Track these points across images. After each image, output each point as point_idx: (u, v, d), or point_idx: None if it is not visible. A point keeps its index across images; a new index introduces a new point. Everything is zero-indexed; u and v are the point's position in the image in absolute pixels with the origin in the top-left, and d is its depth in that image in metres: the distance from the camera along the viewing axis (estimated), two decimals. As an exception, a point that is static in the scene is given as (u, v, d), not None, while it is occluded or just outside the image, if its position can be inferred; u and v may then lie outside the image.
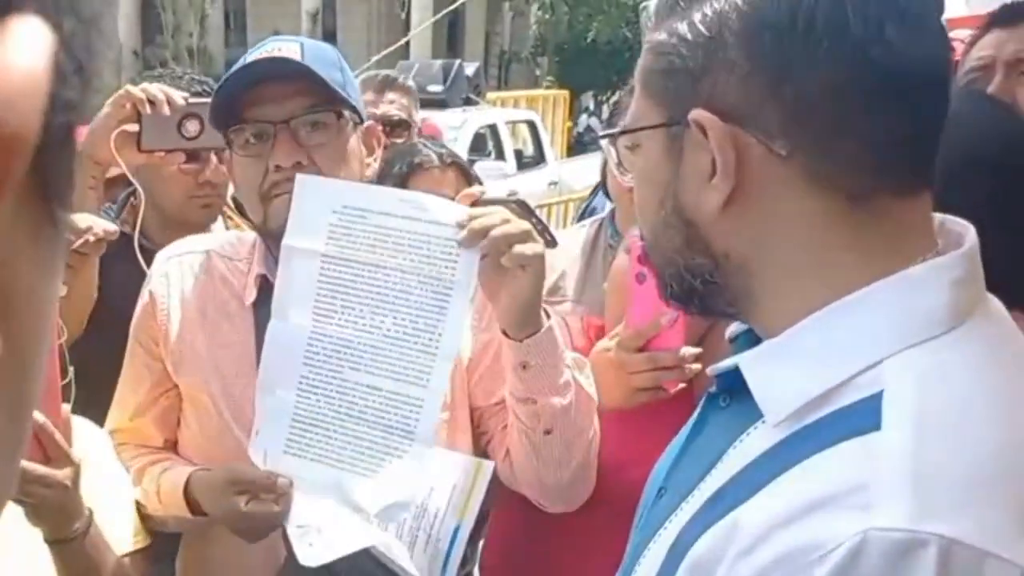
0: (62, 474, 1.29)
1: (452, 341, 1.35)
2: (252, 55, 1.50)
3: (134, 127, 1.85)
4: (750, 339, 0.90)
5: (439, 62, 12.00)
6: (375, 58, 9.99)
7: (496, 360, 1.53)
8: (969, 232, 0.81)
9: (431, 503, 1.46)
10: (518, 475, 1.52)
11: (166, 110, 1.85)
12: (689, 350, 1.50)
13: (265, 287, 1.54)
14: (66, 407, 1.33)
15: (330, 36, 28.44)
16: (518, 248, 1.32)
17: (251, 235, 1.63)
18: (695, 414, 0.96)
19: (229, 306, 1.58)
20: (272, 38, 1.57)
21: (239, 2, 29.84)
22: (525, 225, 1.37)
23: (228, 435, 1.54)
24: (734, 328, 0.95)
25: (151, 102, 1.85)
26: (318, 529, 1.40)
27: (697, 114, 0.79)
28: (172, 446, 1.66)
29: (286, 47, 1.49)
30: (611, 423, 1.54)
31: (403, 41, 9.88)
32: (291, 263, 1.40)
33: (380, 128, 1.65)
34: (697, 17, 0.80)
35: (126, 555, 1.50)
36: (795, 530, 0.69)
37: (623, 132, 0.92)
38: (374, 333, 1.36)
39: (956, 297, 0.76)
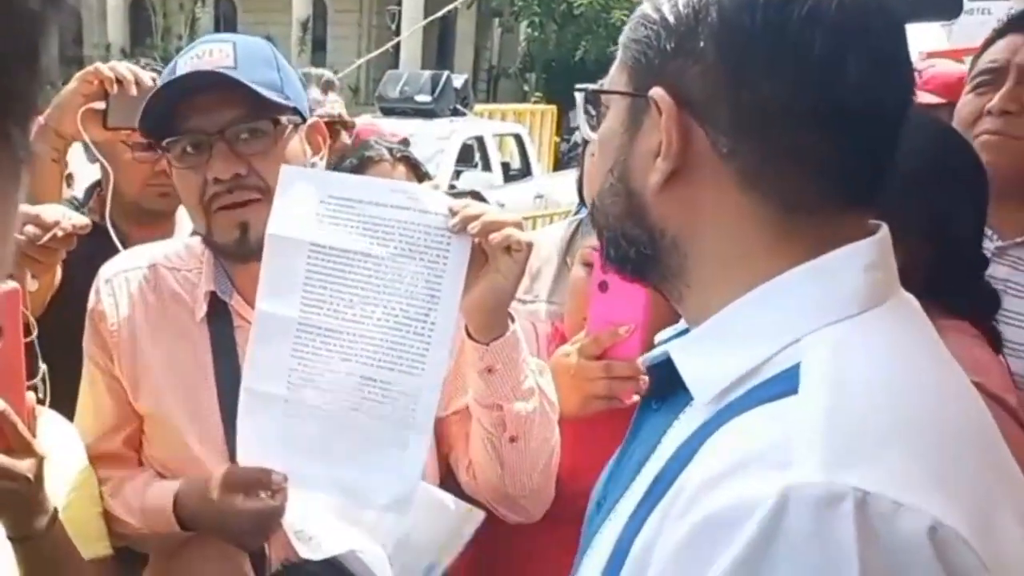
0: (25, 465, 1.22)
1: (446, 329, 1.33)
2: (183, 60, 1.45)
3: (101, 104, 1.87)
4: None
5: (428, 73, 12.11)
6: (361, 60, 10.02)
7: (456, 370, 1.48)
8: (882, 227, 0.84)
9: (414, 537, 1.45)
10: (481, 485, 1.50)
11: (133, 90, 1.85)
12: (640, 360, 1.48)
13: (216, 302, 1.51)
14: (31, 395, 1.28)
15: (320, 44, 28.64)
16: (510, 230, 1.31)
17: (199, 242, 1.55)
18: (630, 425, 0.98)
19: (181, 323, 1.52)
20: (204, 38, 1.51)
21: (229, 7, 29.87)
22: (517, 216, 1.38)
23: (191, 455, 1.49)
24: (663, 334, 0.98)
25: (119, 81, 1.86)
26: (309, 531, 1.40)
27: (656, 92, 0.82)
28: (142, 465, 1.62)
29: (217, 50, 1.44)
30: (567, 431, 1.52)
31: (390, 45, 9.91)
32: (276, 253, 1.36)
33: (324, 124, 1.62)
34: (682, 1, 0.82)
35: (91, 560, 1.43)
36: (722, 490, 0.71)
37: (597, 91, 0.94)
38: (364, 323, 1.34)
39: (870, 280, 0.80)
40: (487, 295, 1.34)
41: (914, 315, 0.85)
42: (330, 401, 1.35)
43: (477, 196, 1.66)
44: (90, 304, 1.56)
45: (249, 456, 1.39)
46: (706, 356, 0.83)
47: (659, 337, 0.98)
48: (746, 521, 0.69)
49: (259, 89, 1.39)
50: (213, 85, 1.40)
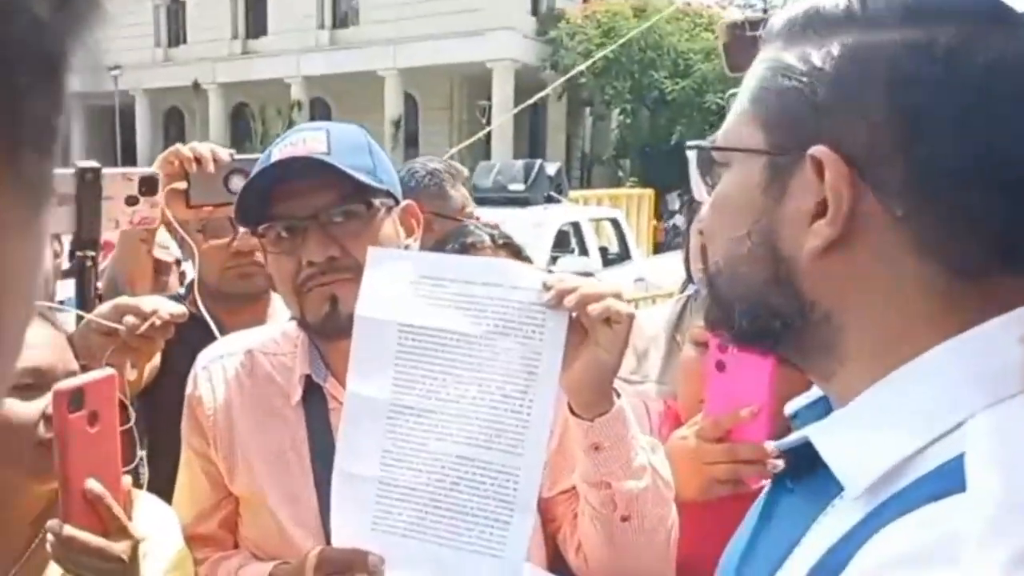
0: (119, 547, 1.25)
1: (545, 406, 1.29)
2: (277, 148, 1.49)
3: (183, 184, 1.92)
4: (812, 414, 0.87)
5: (521, 162, 12.27)
6: (452, 150, 10.08)
7: (560, 449, 1.48)
8: None
9: None
10: (593, 567, 1.46)
11: (211, 167, 1.91)
12: (773, 444, 1.39)
13: (311, 385, 1.53)
14: (127, 479, 1.31)
15: (412, 140, 29.50)
16: (610, 300, 1.27)
17: (295, 327, 1.58)
18: (761, 502, 0.92)
19: (277, 407, 1.55)
20: (298, 127, 1.56)
21: (324, 110, 30.96)
22: (616, 287, 1.35)
23: (286, 538, 1.50)
24: (793, 405, 0.92)
25: (198, 160, 1.92)
26: None
27: (819, 151, 0.75)
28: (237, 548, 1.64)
29: (312, 137, 1.47)
30: (687, 515, 1.47)
31: (481, 134, 9.93)
32: (365, 335, 1.35)
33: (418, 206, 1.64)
34: (836, 49, 0.76)
35: None
36: None
37: (721, 148, 0.85)
38: (459, 402, 1.31)
39: None
40: (589, 370, 1.31)
41: None
42: (426, 481, 1.32)
43: (586, 275, 1.54)
44: (188, 390, 1.60)
45: (344, 538, 1.37)
46: (854, 441, 0.76)
47: (789, 408, 0.93)
48: None
49: (351, 172, 1.41)
50: (306, 170, 1.43)
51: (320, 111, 30.64)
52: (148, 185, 1.83)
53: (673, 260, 11.01)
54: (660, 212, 14.48)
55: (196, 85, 32.89)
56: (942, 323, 0.75)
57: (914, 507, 0.69)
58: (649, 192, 13.92)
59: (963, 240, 0.74)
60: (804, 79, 0.77)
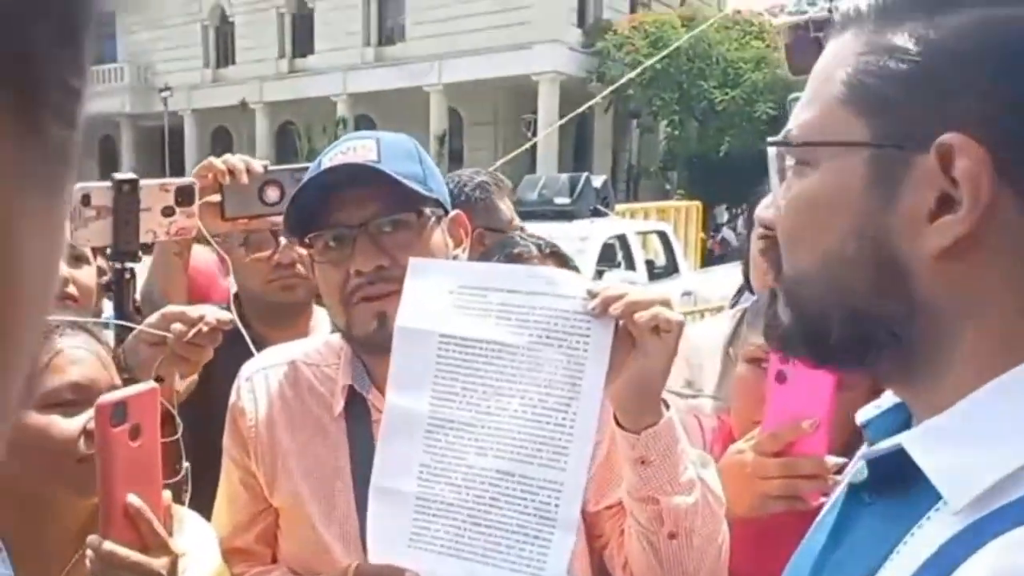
0: (158, 563, 1.24)
1: (589, 419, 1.26)
2: (327, 156, 1.47)
3: (217, 197, 1.91)
4: (887, 423, 0.84)
5: (566, 175, 12.19)
6: (497, 164, 10.06)
7: (607, 462, 1.45)
8: None
9: None
10: None
11: (245, 179, 1.90)
12: (833, 460, 1.42)
13: (353, 397, 1.51)
14: (167, 494, 1.29)
15: (457, 155, 29.81)
16: (658, 308, 1.24)
17: (338, 338, 1.57)
18: (833, 513, 0.85)
19: (319, 418, 1.53)
20: (348, 136, 1.54)
21: (370, 127, 31.07)
22: (665, 293, 1.30)
23: (326, 550, 1.48)
24: (864, 414, 0.87)
25: (231, 172, 1.90)
26: None
27: (953, 138, 0.68)
28: (275, 561, 1.62)
29: (361, 146, 1.46)
30: (740, 532, 1.43)
31: (526, 146, 9.89)
32: (405, 345, 1.34)
33: (466, 217, 1.61)
34: (955, 23, 0.70)
35: None
36: None
37: (817, 144, 0.77)
38: (500, 415, 1.29)
39: None
40: (635, 381, 1.28)
41: None
42: (465, 497, 1.30)
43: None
44: (231, 400, 1.59)
45: (380, 554, 1.35)
46: (958, 451, 0.71)
47: (861, 417, 0.87)
48: None
49: (402, 180, 1.39)
50: (356, 179, 1.41)
51: (365, 128, 30.75)
52: (185, 195, 1.81)
53: (721, 274, 11.03)
54: (708, 225, 14.32)
55: (243, 104, 33.42)
56: None
57: (1018, 525, 0.64)
58: (697, 204, 13.77)
59: None
60: (916, 59, 0.71)
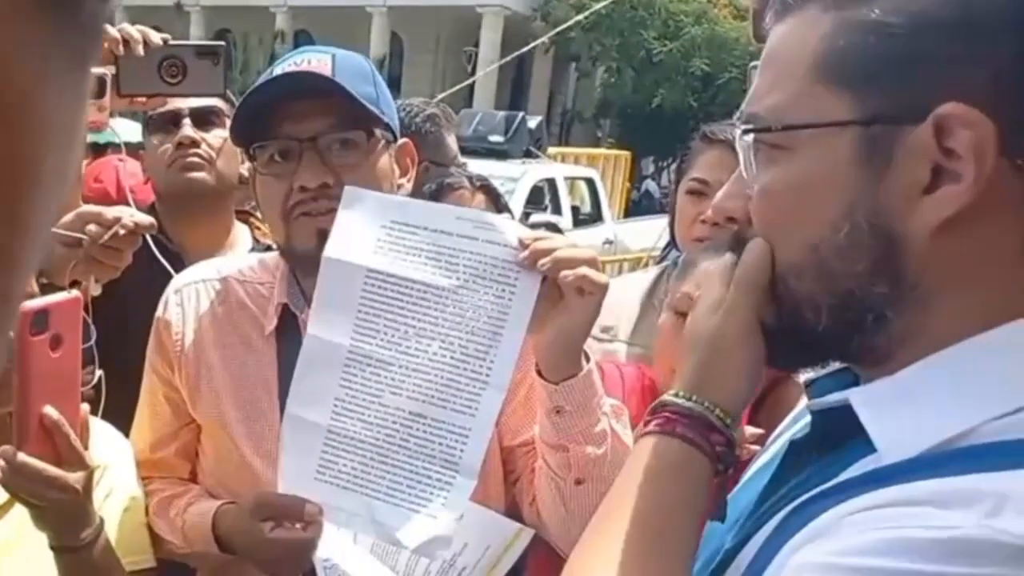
0: (74, 477, 1.22)
1: (504, 370, 1.27)
2: (280, 66, 1.44)
3: (110, 70, 1.75)
4: (832, 383, 0.83)
5: (502, 113, 12.16)
6: (437, 99, 10.04)
7: (526, 400, 1.47)
8: None
9: (460, 559, 1.42)
10: (545, 523, 1.45)
11: (140, 50, 1.73)
12: (751, 430, 1.43)
13: (286, 316, 1.50)
14: (84, 407, 1.26)
15: (395, 82, 29.14)
16: (584, 269, 1.24)
17: (274, 257, 1.55)
18: (773, 465, 0.87)
19: (249, 336, 1.52)
20: (303, 48, 1.49)
21: (309, 44, 30.18)
22: (593, 252, 1.30)
23: (247, 469, 1.48)
24: (809, 373, 0.87)
25: (126, 42, 1.74)
26: (342, 565, 1.37)
27: (953, 108, 0.66)
28: (195, 476, 1.62)
29: (316, 58, 1.42)
30: None
31: (464, 84, 9.93)
32: (331, 276, 1.32)
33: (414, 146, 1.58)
34: None
35: (132, 573, 1.44)
36: (907, 508, 0.65)
37: (799, 127, 0.73)
38: (419, 356, 1.28)
39: None
40: (557, 335, 1.29)
41: None
42: (375, 435, 1.30)
43: (554, 228, 1.51)
44: (157, 313, 1.56)
45: (288, 483, 1.35)
46: (902, 413, 0.71)
47: (804, 376, 0.88)
48: (926, 530, 0.63)
49: (356, 96, 1.37)
50: (308, 91, 1.38)
51: (304, 43, 29.78)
52: (95, 86, 1.70)
53: (643, 225, 11.07)
54: (635, 175, 14.49)
55: (179, 6, 32.08)
56: (1018, 297, 0.71)
57: (965, 472, 0.65)
58: (626, 154, 13.83)
59: None
60: (899, 32, 0.69)
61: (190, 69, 1.75)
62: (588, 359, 1.34)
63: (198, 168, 2.01)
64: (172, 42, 1.77)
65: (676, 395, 0.86)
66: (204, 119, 2.03)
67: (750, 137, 0.78)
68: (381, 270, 1.30)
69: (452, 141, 2.80)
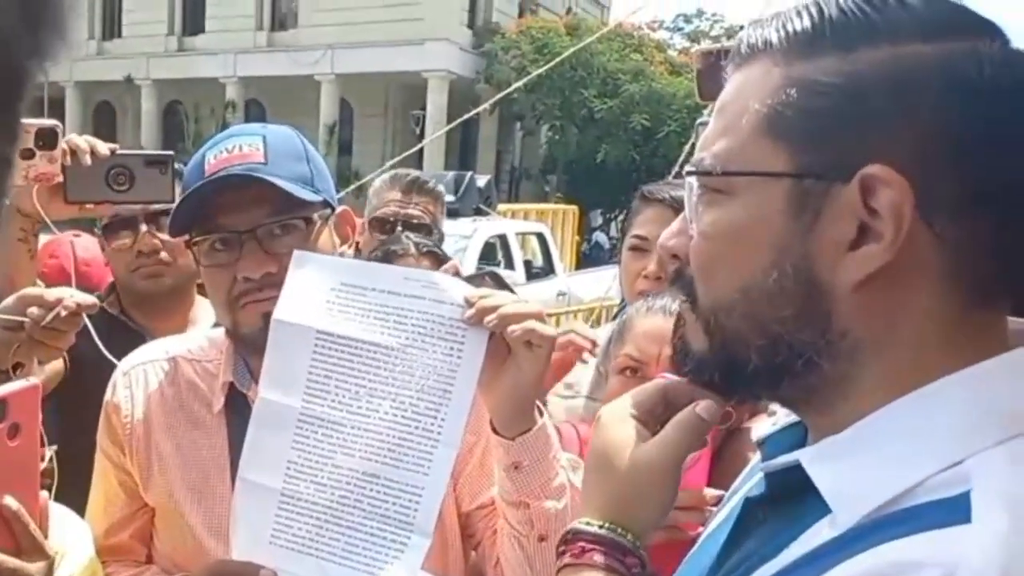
0: (35, 568, 1.17)
1: (456, 427, 1.25)
2: (212, 153, 1.43)
3: (58, 178, 1.74)
4: (784, 440, 0.85)
5: (452, 173, 12.26)
6: (388, 164, 10.23)
7: (482, 463, 1.48)
8: None
9: None
10: None
11: (87, 160, 1.74)
12: (712, 492, 1.41)
13: (234, 394, 1.49)
14: (44, 494, 1.22)
15: (346, 147, 29.25)
16: (531, 323, 1.24)
17: (222, 334, 1.53)
18: (728, 526, 0.88)
19: (199, 415, 1.51)
20: (233, 130, 1.49)
21: (259, 112, 30.63)
22: (539, 307, 1.31)
23: (202, 550, 1.46)
24: (760, 431, 0.90)
25: (73, 152, 1.75)
26: None
27: (878, 170, 0.69)
28: (152, 559, 1.59)
29: (247, 144, 1.42)
30: None
31: (414, 149, 10.15)
32: (281, 339, 1.32)
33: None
34: (870, 58, 0.71)
35: None
36: None
37: (739, 174, 0.76)
38: (371, 416, 1.28)
39: None
40: (509, 390, 1.29)
41: None
42: (329, 496, 1.29)
43: (495, 277, 1.76)
44: (106, 396, 1.55)
45: (242, 548, 1.33)
46: (852, 470, 0.72)
47: (757, 434, 0.90)
48: None
49: (291, 188, 1.38)
50: (244, 184, 1.38)
51: (255, 113, 30.33)
52: (46, 139, 1.67)
53: (594, 276, 11.07)
54: (584, 228, 14.70)
55: (129, 80, 32.25)
56: (954, 353, 0.72)
57: (911, 532, 0.66)
58: (574, 208, 13.81)
59: (990, 267, 0.71)
60: (837, 93, 0.71)
61: (138, 177, 1.76)
62: (542, 413, 1.34)
63: (159, 276, 2.08)
64: (120, 151, 1.78)
65: (588, 524, 0.89)
66: (159, 218, 2.04)
67: (694, 180, 0.79)
68: (331, 331, 1.29)
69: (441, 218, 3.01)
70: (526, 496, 1.33)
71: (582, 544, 0.88)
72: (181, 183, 1.50)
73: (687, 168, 0.81)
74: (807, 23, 0.74)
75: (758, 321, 0.76)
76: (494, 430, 1.33)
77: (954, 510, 0.65)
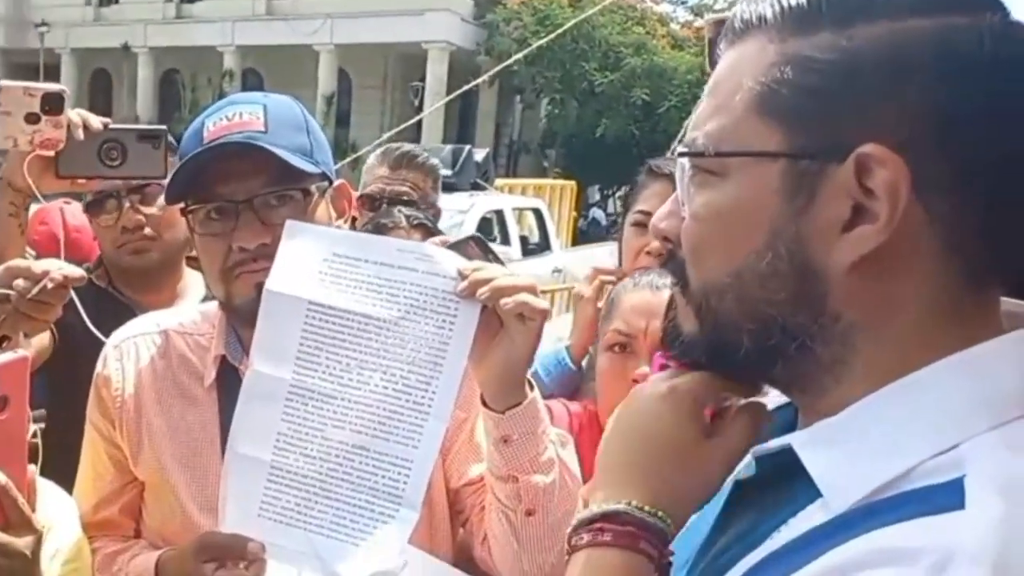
0: (22, 542, 1.17)
1: (446, 400, 1.26)
2: (211, 120, 1.42)
3: (50, 152, 1.70)
4: (775, 421, 0.85)
5: (449, 147, 12.25)
6: (385, 135, 10.18)
7: (471, 439, 1.48)
8: None
9: None
10: (497, 560, 1.42)
11: (80, 134, 1.70)
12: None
13: (225, 367, 1.49)
14: (32, 468, 1.22)
15: (344, 118, 29.17)
16: (523, 296, 1.24)
17: (214, 307, 1.53)
18: (718, 506, 0.87)
19: (189, 389, 1.51)
20: (233, 98, 1.48)
21: (257, 82, 30.52)
22: (531, 280, 1.29)
23: (192, 525, 1.45)
24: None
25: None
26: None
27: (873, 149, 0.67)
28: (140, 534, 1.59)
29: (248, 112, 1.41)
30: None
31: (412, 121, 10.05)
32: (273, 310, 1.31)
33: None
34: (867, 34, 0.69)
35: None
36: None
37: (732, 154, 0.75)
38: (361, 389, 1.27)
39: None
40: (500, 364, 1.28)
41: None
42: (318, 469, 1.29)
43: (479, 242, 1.51)
44: (97, 369, 1.55)
45: (230, 522, 1.33)
46: (844, 455, 0.72)
47: None
48: None
49: (290, 158, 1.37)
50: (243, 152, 1.37)
51: (252, 82, 30.14)
52: (52, 103, 1.65)
53: (590, 253, 11.09)
54: (582, 204, 14.64)
55: (126, 47, 32.07)
56: (948, 336, 0.71)
57: (903, 517, 0.66)
58: (572, 184, 13.86)
59: (985, 245, 0.70)
60: (833, 71, 0.70)
61: (130, 152, 1.74)
62: (532, 387, 1.33)
63: (144, 251, 2.07)
64: (113, 126, 1.76)
65: (640, 508, 0.83)
66: (144, 192, 2.06)
67: (687, 161, 0.78)
68: (322, 302, 1.28)
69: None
70: (515, 470, 1.32)
71: (631, 528, 0.82)
72: (178, 149, 1.50)
73: (679, 148, 0.80)
74: None
75: (751, 304, 0.75)
76: (484, 404, 1.32)
77: (948, 496, 0.65)
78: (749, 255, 0.74)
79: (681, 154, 0.79)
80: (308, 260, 1.30)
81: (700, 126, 0.78)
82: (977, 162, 0.68)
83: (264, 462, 1.30)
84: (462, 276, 1.26)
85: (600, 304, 2.01)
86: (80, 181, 1.79)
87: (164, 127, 1.80)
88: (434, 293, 1.27)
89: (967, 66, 0.68)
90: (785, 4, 0.73)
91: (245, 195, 1.38)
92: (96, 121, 1.74)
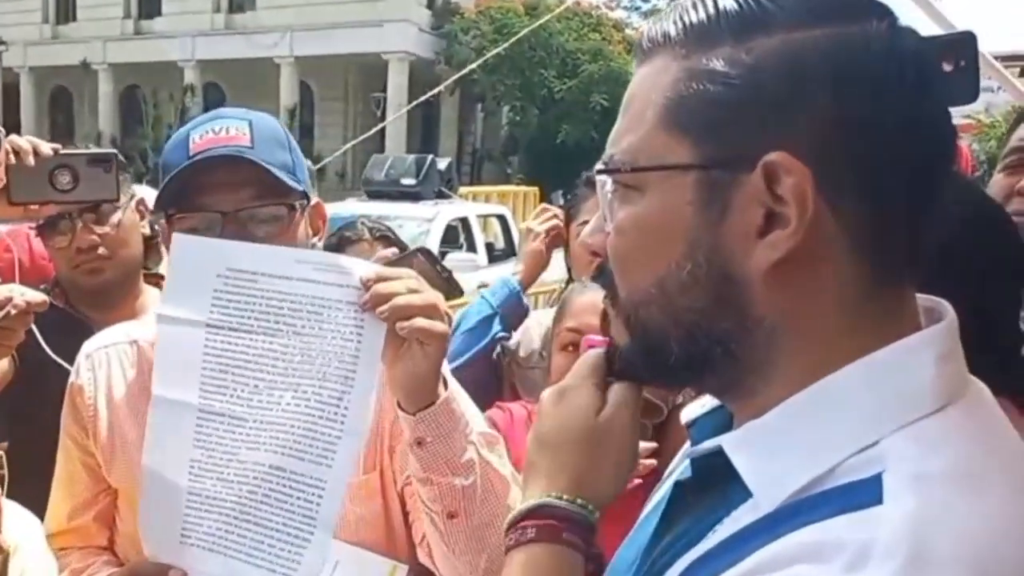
0: None
1: (360, 414, 1.22)
2: (198, 133, 1.40)
3: (1, 181, 1.73)
4: (710, 423, 0.87)
5: (412, 157, 12.20)
6: (347, 146, 10.21)
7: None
8: (946, 308, 0.78)
9: None
10: (436, 561, 1.39)
11: (31, 160, 1.71)
12: (645, 445, 1.40)
13: None
14: None
15: (307, 130, 28.99)
16: (420, 322, 1.19)
17: None
18: (659, 511, 0.88)
19: None
20: (220, 112, 1.47)
21: (219, 96, 30.37)
22: (433, 298, 1.23)
23: None
24: (689, 412, 0.91)
25: (16, 153, 1.73)
26: None
27: (779, 157, 0.69)
28: (114, 543, 1.61)
29: (234, 126, 1.39)
30: None
31: (375, 130, 10.14)
32: (169, 335, 1.27)
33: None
34: (765, 46, 0.71)
35: None
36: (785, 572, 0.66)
37: (643, 169, 0.76)
38: (273, 409, 1.23)
39: (946, 372, 0.73)
40: (407, 374, 1.23)
41: (991, 407, 0.77)
42: (237, 492, 1.25)
43: (427, 254, 1.74)
44: (70, 379, 1.55)
45: (155, 550, 1.32)
46: (771, 455, 0.74)
47: (686, 416, 0.91)
48: None
49: (279, 173, 1.37)
50: (230, 165, 1.36)
51: (214, 96, 30.09)
52: None
53: (556, 257, 11.09)
54: None
55: (86, 65, 31.90)
56: (866, 333, 0.73)
57: (826, 515, 0.68)
58: (535, 190, 13.84)
59: (892, 243, 0.72)
60: (735, 83, 0.71)
61: (82, 176, 1.74)
62: (447, 386, 1.28)
63: (100, 271, 2.04)
64: (63, 151, 1.76)
65: (559, 498, 0.86)
66: (97, 211, 2.03)
67: (607, 177, 0.80)
68: (220, 324, 1.24)
69: None
70: (432, 472, 1.29)
71: (552, 521, 0.87)
72: (161, 161, 1.46)
73: (597, 166, 0.81)
74: (703, 14, 0.74)
75: (675, 313, 0.76)
76: (399, 405, 1.28)
77: (868, 491, 0.67)
78: (670, 265, 0.75)
79: (599, 171, 0.81)
80: (201, 278, 1.25)
81: (617, 143, 0.79)
82: (877, 164, 0.70)
83: (181, 488, 1.27)
84: (365, 287, 1.21)
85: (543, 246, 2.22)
86: (33, 207, 1.78)
87: (114, 151, 1.84)
88: (338, 305, 1.21)
89: (857, 73, 0.70)
90: (687, 21, 0.75)
91: (231, 207, 1.36)
92: (46, 147, 1.74)
